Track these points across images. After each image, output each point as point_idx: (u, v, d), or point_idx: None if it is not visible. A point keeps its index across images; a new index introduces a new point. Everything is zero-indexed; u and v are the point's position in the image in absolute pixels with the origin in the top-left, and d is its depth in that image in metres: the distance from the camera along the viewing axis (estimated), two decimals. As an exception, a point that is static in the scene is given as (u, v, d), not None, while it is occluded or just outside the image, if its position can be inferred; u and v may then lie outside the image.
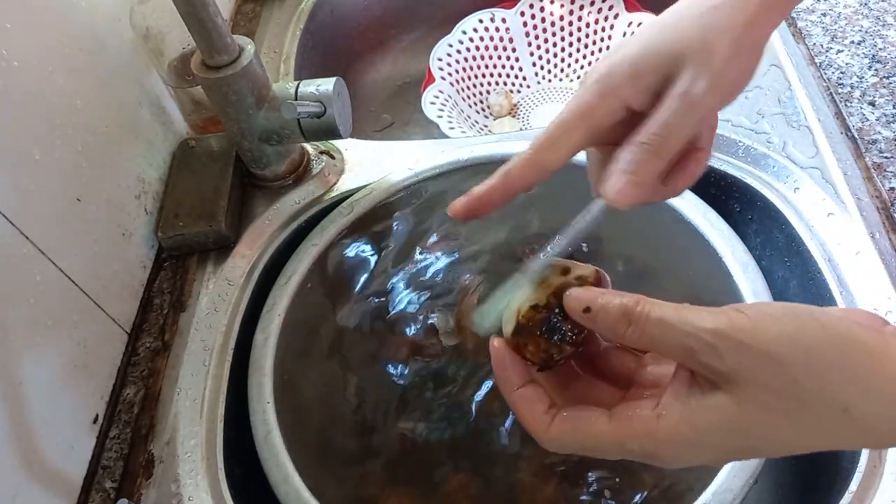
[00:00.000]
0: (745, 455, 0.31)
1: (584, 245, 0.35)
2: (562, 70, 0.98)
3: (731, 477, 0.47)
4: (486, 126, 0.94)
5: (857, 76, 0.67)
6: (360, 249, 0.69)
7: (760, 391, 0.28)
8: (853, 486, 0.47)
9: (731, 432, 0.29)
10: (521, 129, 0.93)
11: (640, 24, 0.91)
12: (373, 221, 0.68)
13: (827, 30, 0.72)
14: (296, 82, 0.63)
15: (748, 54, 0.36)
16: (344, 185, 0.70)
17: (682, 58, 0.35)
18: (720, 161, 0.65)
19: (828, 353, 0.28)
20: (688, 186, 0.39)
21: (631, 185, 0.35)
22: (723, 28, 0.35)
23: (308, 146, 0.72)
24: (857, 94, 0.66)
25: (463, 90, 0.95)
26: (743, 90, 0.37)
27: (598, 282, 0.34)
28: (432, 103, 0.89)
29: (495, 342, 0.35)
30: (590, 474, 0.61)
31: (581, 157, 0.38)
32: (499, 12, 0.98)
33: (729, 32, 0.35)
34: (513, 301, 0.35)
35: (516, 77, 0.99)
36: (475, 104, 0.96)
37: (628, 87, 0.36)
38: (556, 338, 0.34)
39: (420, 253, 0.72)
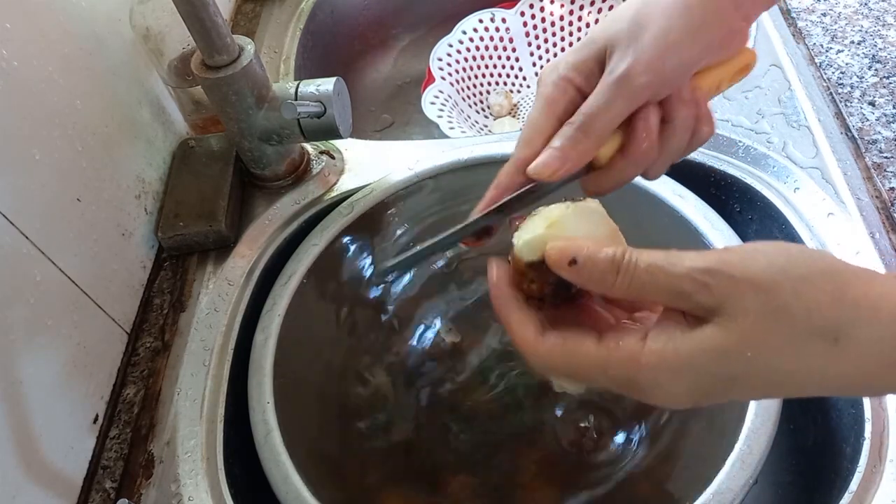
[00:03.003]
0: (726, 388, 0.30)
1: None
2: (562, 70, 0.98)
3: (731, 477, 0.47)
4: (486, 126, 0.94)
5: (857, 76, 0.67)
6: (361, 249, 0.69)
7: (749, 317, 0.28)
8: (853, 486, 0.47)
9: (716, 358, 0.29)
10: (521, 129, 0.93)
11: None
12: (373, 221, 0.68)
13: (827, 30, 0.72)
14: (296, 82, 0.63)
15: (695, 27, 0.37)
16: (344, 185, 0.70)
17: (611, 43, 0.38)
18: (720, 161, 0.65)
19: (817, 279, 0.29)
20: (662, 172, 0.41)
21: (553, 158, 0.37)
22: (655, 4, 0.37)
23: (308, 146, 0.72)
24: (857, 94, 0.66)
25: (463, 90, 0.95)
26: (693, 65, 0.38)
27: None
28: (432, 103, 0.89)
29: (495, 263, 0.35)
30: (590, 474, 0.61)
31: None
32: (499, 12, 0.98)
33: (661, 6, 0.37)
34: (542, 229, 0.34)
35: (516, 77, 0.99)
36: (475, 104, 0.96)
37: (575, 75, 0.39)
38: (561, 291, 0.34)
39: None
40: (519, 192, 0.39)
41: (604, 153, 0.39)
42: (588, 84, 0.39)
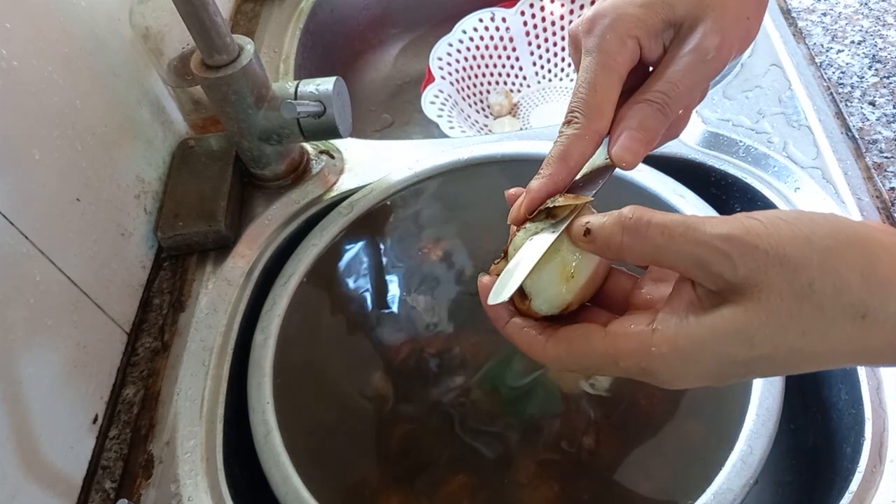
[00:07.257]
0: (747, 370, 0.28)
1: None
2: (562, 70, 0.98)
3: (732, 477, 0.47)
4: (486, 126, 0.94)
5: (858, 76, 0.67)
6: (360, 249, 0.69)
7: (774, 297, 0.26)
8: (853, 486, 0.47)
9: (737, 341, 0.27)
10: (521, 129, 0.93)
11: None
12: (373, 221, 0.68)
13: (827, 30, 0.72)
14: (295, 82, 0.63)
15: (755, 11, 0.35)
16: (344, 184, 0.70)
17: (695, 12, 0.34)
18: (720, 161, 0.65)
19: (845, 253, 0.26)
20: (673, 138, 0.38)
21: (640, 143, 0.34)
22: None
23: (308, 146, 0.72)
24: (857, 94, 0.66)
25: (463, 90, 0.95)
26: (744, 52, 0.37)
27: None
28: (432, 103, 0.89)
29: (484, 279, 0.33)
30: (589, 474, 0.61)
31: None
32: (499, 12, 0.98)
33: None
34: (559, 279, 0.33)
35: (516, 77, 0.99)
36: (475, 104, 0.96)
37: (644, 35, 0.34)
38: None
39: (420, 253, 0.72)
40: (592, 173, 0.35)
41: None
42: (651, 47, 0.35)
